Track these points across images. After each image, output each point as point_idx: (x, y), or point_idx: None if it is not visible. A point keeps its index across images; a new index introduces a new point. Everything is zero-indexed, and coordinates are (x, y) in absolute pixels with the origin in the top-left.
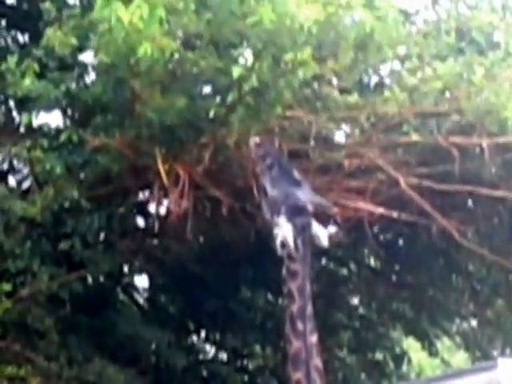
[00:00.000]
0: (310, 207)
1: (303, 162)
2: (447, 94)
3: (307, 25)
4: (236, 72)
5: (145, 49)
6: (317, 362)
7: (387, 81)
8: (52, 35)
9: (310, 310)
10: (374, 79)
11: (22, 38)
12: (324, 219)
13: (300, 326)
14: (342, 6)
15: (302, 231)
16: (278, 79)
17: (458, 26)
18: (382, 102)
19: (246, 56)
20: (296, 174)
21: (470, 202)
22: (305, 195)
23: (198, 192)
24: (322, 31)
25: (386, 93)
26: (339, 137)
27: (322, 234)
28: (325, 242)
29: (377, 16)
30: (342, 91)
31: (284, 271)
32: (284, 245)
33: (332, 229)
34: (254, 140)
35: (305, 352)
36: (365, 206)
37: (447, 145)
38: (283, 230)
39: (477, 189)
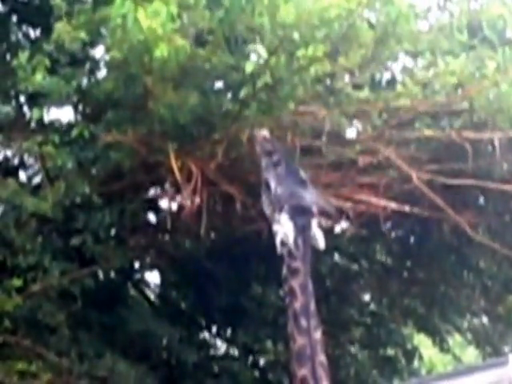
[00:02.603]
0: (314, 208)
1: (316, 158)
2: (459, 91)
3: (328, 21)
4: (249, 67)
5: (161, 50)
6: (322, 358)
7: (399, 77)
8: (62, 30)
9: (313, 306)
10: (387, 76)
11: (33, 33)
12: (335, 215)
13: (304, 322)
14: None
15: (303, 231)
16: (292, 75)
17: (470, 23)
18: (394, 97)
19: (259, 51)
20: (302, 174)
21: (481, 198)
22: (310, 196)
23: (211, 188)
24: (341, 28)
25: (399, 87)
26: (351, 132)
27: (320, 236)
28: (322, 244)
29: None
30: (355, 87)
31: (284, 269)
32: (284, 243)
33: (344, 225)
34: (263, 134)
35: (309, 348)
36: (377, 201)
37: (459, 141)
38: (284, 229)
39: (488, 184)
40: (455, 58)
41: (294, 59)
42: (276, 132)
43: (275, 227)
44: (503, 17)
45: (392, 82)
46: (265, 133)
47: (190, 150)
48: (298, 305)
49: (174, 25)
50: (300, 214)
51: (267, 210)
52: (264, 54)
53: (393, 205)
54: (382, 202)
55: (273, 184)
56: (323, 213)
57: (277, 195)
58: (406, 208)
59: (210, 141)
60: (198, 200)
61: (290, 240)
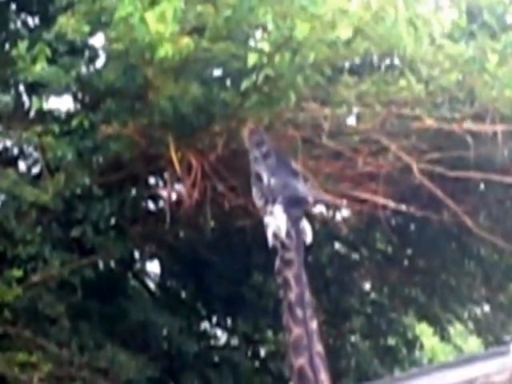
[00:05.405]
0: (310, 199)
1: (315, 149)
2: (460, 77)
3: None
4: (252, 59)
5: (165, 50)
6: (319, 348)
7: (401, 68)
8: (65, 22)
9: (308, 297)
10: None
11: (33, 22)
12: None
13: (299, 312)
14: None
15: (296, 222)
16: (294, 71)
17: (469, 8)
18: (396, 91)
19: (261, 42)
20: (294, 165)
21: (481, 186)
22: (303, 186)
23: (211, 179)
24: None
25: (402, 82)
26: (351, 121)
27: (308, 230)
28: (309, 238)
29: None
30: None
31: (278, 261)
32: (276, 235)
33: (344, 213)
34: (249, 127)
35: (306, 338)
36: (376, 198)
37: (460, 131)
38: (277, 220)
39: (489, 174)
40: (454, 44)
41: (297, 56)
42: (276, 124)
43: (267, 219)
44: (503, 2)
45: (392, 70)
46: (251, 126)
47: (190, 141)
48: (292, 295)
49: (178, 23)
50: (294, 204)
51: (259, 202)
52: (266, 47)
53: (391, 203)
54: (381, 200)
55: (265, 176)
56: (318, 202)
57: (270, 187)
58: (405, 207)
59: (211, 133)
60: (197, 192)
61: (283, 232)
